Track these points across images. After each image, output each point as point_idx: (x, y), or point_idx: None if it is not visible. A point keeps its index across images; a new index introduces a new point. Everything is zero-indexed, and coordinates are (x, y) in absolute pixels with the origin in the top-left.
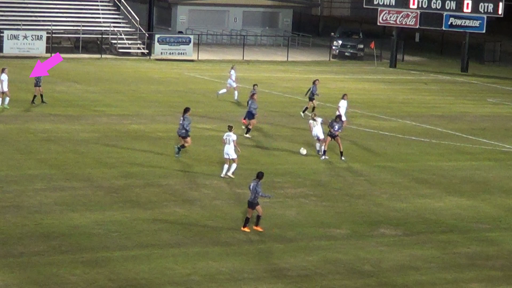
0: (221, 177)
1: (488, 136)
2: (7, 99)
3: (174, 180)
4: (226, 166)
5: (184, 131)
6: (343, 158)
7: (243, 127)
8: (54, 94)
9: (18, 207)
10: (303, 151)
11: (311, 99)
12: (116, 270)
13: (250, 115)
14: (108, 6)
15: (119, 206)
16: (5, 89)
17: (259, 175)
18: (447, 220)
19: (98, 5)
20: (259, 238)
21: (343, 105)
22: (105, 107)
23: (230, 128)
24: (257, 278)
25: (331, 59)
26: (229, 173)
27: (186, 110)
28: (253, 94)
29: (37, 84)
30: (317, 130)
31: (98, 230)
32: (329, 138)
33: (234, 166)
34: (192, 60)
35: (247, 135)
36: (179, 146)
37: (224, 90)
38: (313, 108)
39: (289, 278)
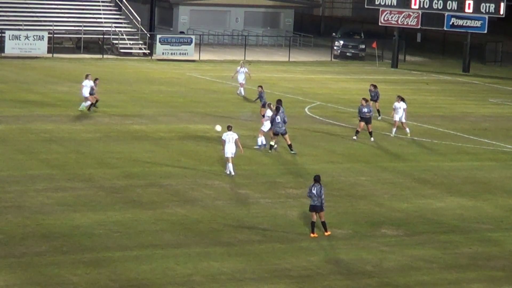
0: (227, 173)
1: (489, 136)
2: (88, 103)
3: (176, 181)
4: (230, 164)
5: (283, 128)
6: (372, 138)
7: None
8: (56, 95)
9: (19, 207)
10: (218, 127)
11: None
12: (117, 270)
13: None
14: (110, 6)
15: (121, 207)
16: (86, 94)
17: (318, 178)
18: (449, 221)
19: (99, 5)
20: (260, 239)
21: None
22: (107, 107)
23: (229, 128)
24: (259, 278)
25: (332, 59)
26: (232, 171)
27: (279, 101)
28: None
29: (91, 93)
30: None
31: (99, 231)
32: (362, 123)
33: (231, 165)
34: (193, 61)
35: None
36: (274, 143)
37: (241, 89)
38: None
39: (290, 278)
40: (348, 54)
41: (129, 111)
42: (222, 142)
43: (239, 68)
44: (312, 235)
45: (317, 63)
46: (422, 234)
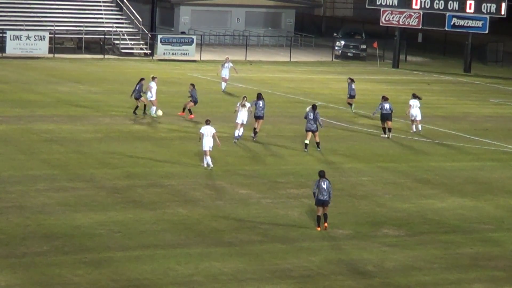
0: (204, 166)
1: (491, 136)
2: (154, 108)
3: (177, 181)
4: (208, 158)
5: (315, 125)
6: (387, 135)
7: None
8: (57, 95)
9: (20, 207)
10: (159, 112)
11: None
12: (118, 270)
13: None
14: (111, 6)
15: (122, 207)
16: (153, 97)
17: (323, 174)
18: (450, 221)
19: (100, 6)
20: (261, 239)
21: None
22: (108, 108)
23: (207, 122)
24: (260, 278)
25: (333, 59)
26: (210, 164)
27: (314, 107)
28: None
29: (138, 97)
30: (243, 115)
31: (100, 231)
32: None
33: (209, 158)
34: (194, 61)
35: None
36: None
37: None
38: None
39: (291, 278)
40: (349, 54)
41: (130, 111)
42: (200, 136)
43: (224, 63)
44: (318, 228)
45: (318, 63)
46: (423, 234)
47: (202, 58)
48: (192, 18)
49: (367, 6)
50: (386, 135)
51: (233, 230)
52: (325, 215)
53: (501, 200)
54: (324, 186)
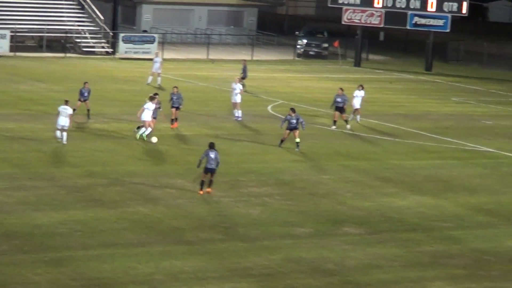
0: (58, 139)
1: (451, 134)
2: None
3: (138, 179)
4: (63, 133)
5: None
6: (348, 126)
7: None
8: (18, 93)
9: None
10: (154, 139)
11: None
12: (79, 269)
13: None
14: (72, 4)
15: (83, 206)
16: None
17: (213, 145)
18: (410, 219)
19: (62, 4)
20: (222, 237)
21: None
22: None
23: (66, 102)
24: (221, 277)
25: (296, 58)
26: (64, 140)
27: (292, 109)
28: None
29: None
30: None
31: (61, 230)
32: (337, 113)
33: (65, 134)
34: (162, 60)
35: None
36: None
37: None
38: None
39: (252, 277)
40: (311, 53)
41: (91, 109)
42: (57, 114)
43: (154, 57)
44: (201, 192)
45: (280, 62)
46: (384, 232)
47: (164, 57)
48: (154, 17)
49: (329, 5)
50: (335, 127)
51: (194, 229)
52: (210, 181)
53: (461, 198)
54: (212, 156)
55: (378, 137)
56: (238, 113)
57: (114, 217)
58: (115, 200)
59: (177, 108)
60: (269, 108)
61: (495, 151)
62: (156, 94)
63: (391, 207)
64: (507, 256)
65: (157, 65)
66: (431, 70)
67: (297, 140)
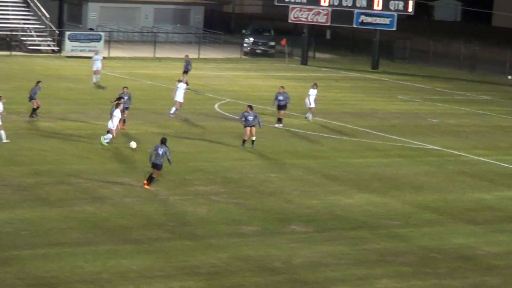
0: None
1: (398, 133)
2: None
3: (85, 178)
4: (1, 131)
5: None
6: (281, 125)
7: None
8: None
9: None
10: (133, 144)
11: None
12: (25, 268)
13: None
14: (18, 2)
15: (29, 205)
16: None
17: (165, 141)
18: (357, 217)
19: (7, 2)
20: (169, 236)
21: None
22: (15, 105)
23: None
24: (168, 275)
25: (242, 56)
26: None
27: (250, 107)
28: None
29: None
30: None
31: (7, 229)
32: (281, 111)
33: (3, 133)
34: (103, 57)
35: None
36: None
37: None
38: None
39: (199, 275)
40: (258, 51)
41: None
42: None
43: (94, 55)
44: (146, 185)
45: (227, 60)
46: (331, 230)
47: (110, 55)
48: (100, 15)
49: (276, 3)
50: (278, 125)
51: (141, 227)
52: (151, 178)
53: (407, 196)
54: (160, 152)
55: (325, 135)
56: (173, 109)
57: (61, 216)
58: (62, 199)
59: (126, 109)
60: (216, 106)
61: (441, 149)
62: (121, 98)
63: (338, 205)
64: (453, 253)
65: (98, 63)
66: (377, 69)
67: (253, 138)
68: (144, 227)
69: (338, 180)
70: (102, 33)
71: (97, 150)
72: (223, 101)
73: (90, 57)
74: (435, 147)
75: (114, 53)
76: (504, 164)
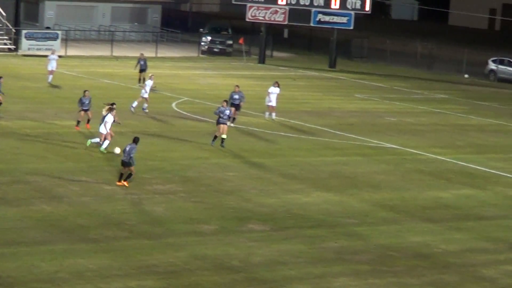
0: None
1: (355, 131)
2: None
3: (42, 177)
4: None
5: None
6: (232, 124)
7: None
8: None
9: None
10: (117, 150)
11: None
12: None
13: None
14: None
15: None
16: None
17: (136, 140)
18: (315, 215)
19: None
20: (127, 235)
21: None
22: None
23: None
24: (126, 274)
25: (200, 55)
26: None
27: (225, 101)
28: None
29: None
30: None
31: None
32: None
33: None
34: (60, 56)
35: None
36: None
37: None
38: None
39: (157, 274)
40: (215, 50)
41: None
42: None
43: (50, 55)
44: (118, 183)
45: (185, 59)
46: (289, 229)
47: (67, 54)
48: (57, 13)
49: (233, 2)
50: (230, 124)
51: (98, 227)
52: (129, 175)
53: (365, 195)
54: (127, 149)
55: (283, 133)
56: (143, 106)
57: (18, 215)
58: (19, 198)
59: (87, 110)
60: (173, 105)
61: (398, 147)
62: (113, 103)
63: (296, 204)
64: (410, 251)
65: (53, 62)
66: (335, 67)
67: (224, 136)
68: (102, 226)
69: (296, 179)
70: (59, 32)
71: (54, 149)
72: (181, 100)
73: (46, 56)
74: (392, 146)
75: (71, 51)
76: (461, 163)
